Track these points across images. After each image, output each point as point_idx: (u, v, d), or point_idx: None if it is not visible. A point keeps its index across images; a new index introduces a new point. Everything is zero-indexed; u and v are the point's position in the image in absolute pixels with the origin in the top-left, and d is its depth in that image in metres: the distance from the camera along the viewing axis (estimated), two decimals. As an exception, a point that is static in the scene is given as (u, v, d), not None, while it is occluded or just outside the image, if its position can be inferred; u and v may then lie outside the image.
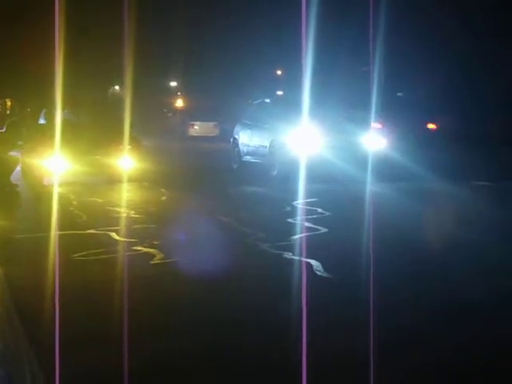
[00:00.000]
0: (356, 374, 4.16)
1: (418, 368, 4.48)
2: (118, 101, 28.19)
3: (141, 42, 26.34)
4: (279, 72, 43.54)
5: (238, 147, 19.88)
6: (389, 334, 5.05)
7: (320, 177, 14.77)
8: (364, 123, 18.72)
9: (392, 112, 20.89)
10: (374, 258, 7.46)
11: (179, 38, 40.69)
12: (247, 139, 19.41)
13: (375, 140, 17.99)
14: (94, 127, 16.10)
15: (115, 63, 26.59)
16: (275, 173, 17.24)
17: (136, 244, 8.21)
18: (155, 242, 8.32)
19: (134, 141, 16.81)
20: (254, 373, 4.39)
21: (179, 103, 48.66)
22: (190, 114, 43.24)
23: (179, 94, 50.12)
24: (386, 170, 15.97)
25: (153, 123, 39.82)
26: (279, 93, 34.57)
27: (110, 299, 5.73)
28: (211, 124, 41.15)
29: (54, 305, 4.82)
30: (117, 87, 38.70)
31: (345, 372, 4.36)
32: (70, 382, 3.89)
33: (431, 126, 21.41)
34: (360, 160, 15.88)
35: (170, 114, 48.29)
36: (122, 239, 8.62)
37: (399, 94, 23.99)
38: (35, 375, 1.45)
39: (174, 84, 51.39)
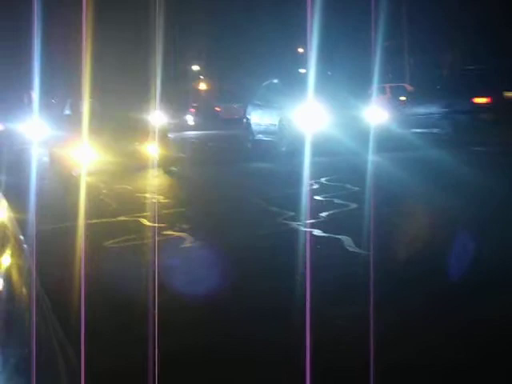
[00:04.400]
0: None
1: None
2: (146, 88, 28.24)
3: (165, 29, 26.53)
4: (301, 50, 43.33)
5: (251, 127, 20.89)
6: (421, 307, 5.04)
7: (326, 151, 15.26)
8: (367, 98, 19.50)
9: None
10: (405, 231, 7.44)
11: (201, 23, 40.70)
12: (258, 119, 20.58)
13: (377, 114, 18.66)
14: (121, 116, 16.13)
15: (142, 52, 26.73)
16: (284, 149, 18.04)
17: (166, 229, 8.25)
18: (185, 226, 8.35)
19: (161, 130, 16.83)
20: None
21: (202, 86, 48.63)
22: (214, 97, 43.19)
23: (201, 77, 50.10)
24: (386, 142, 16.44)
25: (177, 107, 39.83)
26: (302, 71, 34.48)
27: (143, 284, 5.76)
28: (235, 106, 40.95)
29: (85, 292, 4.86)
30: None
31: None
32: (95, 372, 3.93)
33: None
34: (362, 133, 16.33)
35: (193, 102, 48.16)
36: (153, 225, 8.66)
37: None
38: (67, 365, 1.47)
39: (196, 68, 51.37)
